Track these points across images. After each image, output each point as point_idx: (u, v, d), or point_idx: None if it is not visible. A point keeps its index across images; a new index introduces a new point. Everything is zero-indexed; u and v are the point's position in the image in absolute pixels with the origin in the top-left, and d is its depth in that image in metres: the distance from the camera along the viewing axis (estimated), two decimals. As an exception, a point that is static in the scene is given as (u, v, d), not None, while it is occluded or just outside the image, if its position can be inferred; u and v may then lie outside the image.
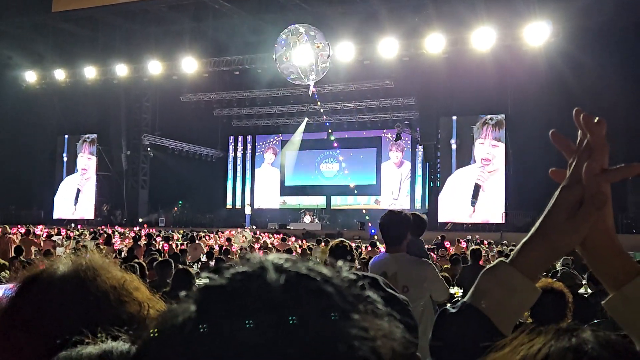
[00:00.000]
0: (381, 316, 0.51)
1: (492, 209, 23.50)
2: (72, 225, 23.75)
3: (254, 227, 25.72)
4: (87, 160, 29.92)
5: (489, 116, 23.63)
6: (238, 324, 0.46)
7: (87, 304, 0.87)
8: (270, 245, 15.38)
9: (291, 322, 0.46)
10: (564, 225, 0.92)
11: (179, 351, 0.47)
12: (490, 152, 23.63)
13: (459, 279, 8.45)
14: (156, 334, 0.48)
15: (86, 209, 29.64)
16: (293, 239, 18.54)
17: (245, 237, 19.00)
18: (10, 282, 0.99)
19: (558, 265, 9.25)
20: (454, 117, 24.35)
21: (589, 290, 6.89)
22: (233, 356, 0.45)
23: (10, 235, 12.68)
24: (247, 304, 0.48)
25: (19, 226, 18.09)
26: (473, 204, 23.63)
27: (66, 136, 30.37)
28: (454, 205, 23.91)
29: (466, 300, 0.97)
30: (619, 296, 0.91)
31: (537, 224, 0.95)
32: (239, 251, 13.14)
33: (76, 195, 29.91)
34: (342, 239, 4.48)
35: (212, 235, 18.64)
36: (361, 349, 0.46)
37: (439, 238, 15.53)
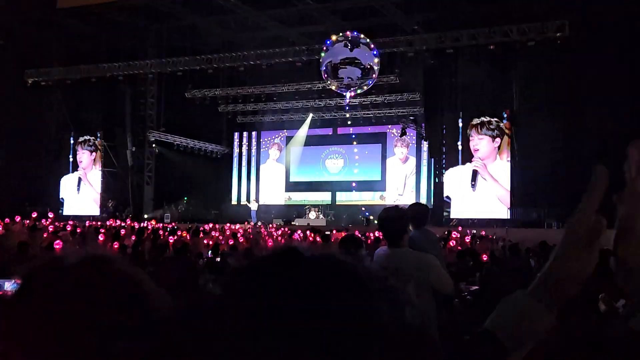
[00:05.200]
0: (403, 303, 0.51)
1: (497, 204, 23.50)
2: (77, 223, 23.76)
3: (259, 223, 25.76)
4: (81, 155, 30.24)
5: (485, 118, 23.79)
6: (269, 305, 0.45)
7: (93, 295, 0.86)
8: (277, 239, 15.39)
9: (320, 303, 0.46)
10: (575, 257, 0.96)
11: (207, 332, 0.46)
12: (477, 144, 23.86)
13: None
14: (185, 316, 0.47)
15: (91, 205, 29.74)
16: (300, 232, 18.42)
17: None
18: (18, 275, 0.98)
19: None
20: (460, 112, 24.36)
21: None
22: (262, 338, 0.45)
23: (14, 231, 12.70)
24: (278, 284, 0.47)
25: (26, 221, 18.11)
26: (473, 186, 23.66)
27: (73, 133, 30.46)
28: (459, 201, 23.99)
29: (486, 326, 0.99)
30: None
31: (553, 255, 0.99)
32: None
33: (78, 184, 30.10)
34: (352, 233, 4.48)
35: (218, 227, 18.68)
36: (390, 327, 0.46)
37: (445, 233, 15.54)
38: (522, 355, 0.96)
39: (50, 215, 20.22)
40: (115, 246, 11.32)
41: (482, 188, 23.68)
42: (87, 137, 30.18)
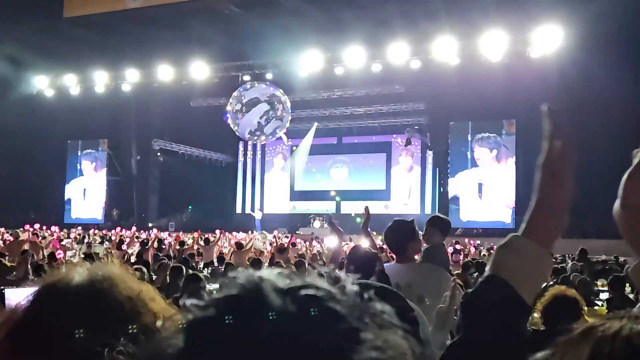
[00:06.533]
0: (391, 328, 0.47)
1: (503, 213, 23.59)
2: (80, 229, 23.81)
3: (264, 232, 25.72)
4: (84, 163, 30.34)
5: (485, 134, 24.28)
6: None
7: (102, 314, 0.85)
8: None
9: (297, 352, 0.41)
10: (551, 186, 1.07)
11: None
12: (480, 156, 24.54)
13: None
14: None
15: (96, 213, 29.78)
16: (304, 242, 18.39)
17: (262, 240, 18.85)
18: (20, 284, 0.97)
19: (568, 268, 9.18)
20: (469, 122, 24.61)
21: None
22: None
23: (22, 240, 12.76)
24: (241, 337, 0.42)
25: (30, 229, 18.15)
26: (480, 196, 24.04)
27: (79, 141, 30.56)
28: (465, 205, 24.17)
29: (487, 273, 1.03)
30: None
31: (534, 196, 1.08)
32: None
33: (83, 191, 30.23)
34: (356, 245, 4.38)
35: (226, 235, 18.69)
36: None
37: (454, 242, 15.50)
38: (532, 297, 0.99)
39: (56, 227, 20.29)
40: (120, 256, 11.34)
41: (487, 193, 24.05)
42: (89, 150, 30.28)
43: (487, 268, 1.04)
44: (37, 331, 0.85)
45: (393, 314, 0.49)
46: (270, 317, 0.42)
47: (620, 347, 0.59)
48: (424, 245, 4.66)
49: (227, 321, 0.43)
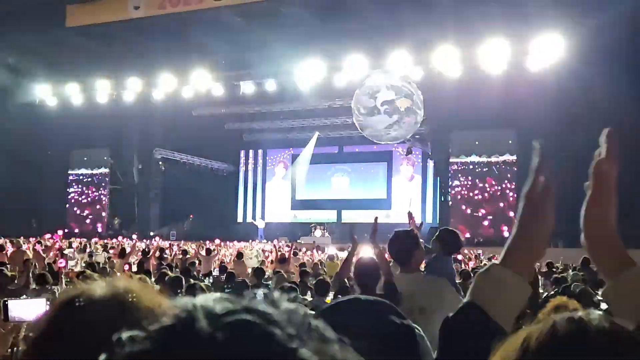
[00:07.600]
0: (330, 342, 0.46)
1: (503, 222, 23.58)
2: (83, 239, 23.81)
3: (265, 240, 25.71)
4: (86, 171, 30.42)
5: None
6: None
7: (124, 327, 0.86)
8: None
9: None
10: (531, 219, 1.07)
11: None
12: None
13: None
14: None
15: (98, 222, 29.77)
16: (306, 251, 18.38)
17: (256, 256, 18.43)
18: (22, 294, 0.99)
19: (569, 278, 9.18)
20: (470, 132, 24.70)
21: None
22: None
23: (25, 249, 12.75)
24: None
25: (33, 239, 18.17)
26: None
27: (81, 150, 30.59)
28: (465, 219, 24.09)
29: (465, 299, 1.07)
30: (612, 284, 1.05)
31: (515, 225, 1.10)
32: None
33: (85, 199, 30.28)
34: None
35: (226, 244, 18.67)
36: None
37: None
38: (509, 322, 1.02)
39: (59, 233, 20.26)
40: (122, 265, 11.34)
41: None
42: (90, 156, 30.35)
43: (467, 294, 1.07)
44: (60, 344, 0.87)
45: (329, 328, 0.48)
46: (200, 347, 0.42)
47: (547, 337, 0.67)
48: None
49: (158, 355, 0.43)
